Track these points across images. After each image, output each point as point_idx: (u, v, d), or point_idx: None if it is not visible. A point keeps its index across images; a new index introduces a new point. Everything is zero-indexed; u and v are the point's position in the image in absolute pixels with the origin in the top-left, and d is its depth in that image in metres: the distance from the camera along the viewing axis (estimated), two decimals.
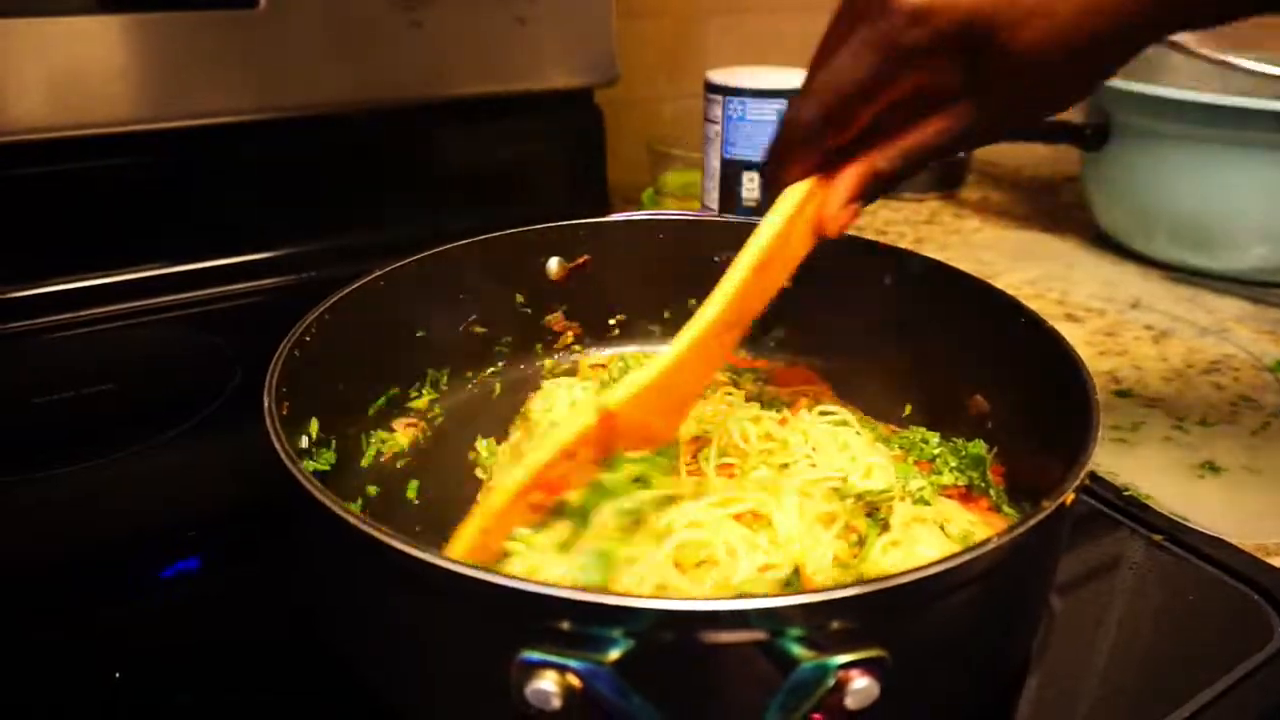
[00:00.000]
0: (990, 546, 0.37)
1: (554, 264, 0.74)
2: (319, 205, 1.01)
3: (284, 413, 0.48)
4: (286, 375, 0.51)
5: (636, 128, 1.22)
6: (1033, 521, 0.39)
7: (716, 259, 0.75)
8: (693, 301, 0.74)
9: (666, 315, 0.77)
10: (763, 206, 0.54)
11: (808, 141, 0.51)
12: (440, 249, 0.68)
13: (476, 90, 1.04)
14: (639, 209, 1.14)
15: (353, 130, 1.00)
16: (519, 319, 0.75)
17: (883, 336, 0.69)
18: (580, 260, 0.75)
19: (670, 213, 0.78)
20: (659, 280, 0.76)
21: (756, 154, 0.98)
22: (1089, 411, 0.47)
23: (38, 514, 0.63)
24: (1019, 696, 0.49)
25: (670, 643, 0.34)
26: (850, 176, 0.52)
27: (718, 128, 0.99)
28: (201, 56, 0.89)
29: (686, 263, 0.75)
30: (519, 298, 0.74)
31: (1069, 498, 0.41)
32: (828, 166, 0.52)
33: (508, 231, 0.72)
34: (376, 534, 0.37)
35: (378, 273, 0.63)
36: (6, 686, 0.49)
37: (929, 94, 0.48)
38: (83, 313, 0.89)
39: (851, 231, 0.58)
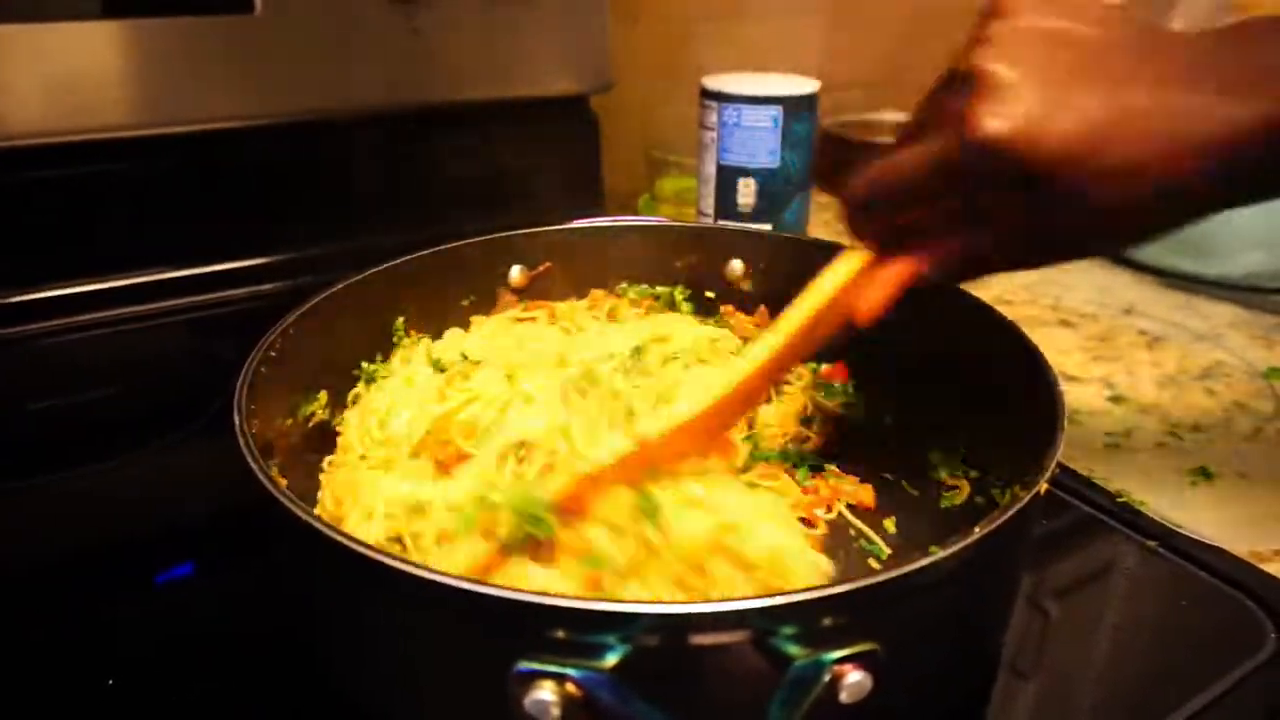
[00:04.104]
0: (973, 538, 0.38)
1: (516, 272, 0.74)
2: (316, 211, 1.01)
3: (253, 430, 0.47)
4: (256, 391, 0.51)
5: (633, 134, 1.22)
6: (1011, 512, 0.40)
7: (679, 263, 0.76)
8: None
9: None
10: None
11: (860, 217, 0.51)
12: (401, 260, 0.68)
13: (472, 96, 1.04)
14: (635, 215, 1.15)
15: (350, 136, 1.00)
16: None
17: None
18: (543, 267, 0.75)
19: (632, 218, 0.79)
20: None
21: (752, 160, 0.99)
22: (1054, 401, 0.48)
23: (33, 519, 0.63)
24: (994, 686, 0.50)
25: (666, 646, 0.35)
26: (894, 272, 0.51)
27: (713, 134, 1.00)
28: (198, 62, 0.89)
29: (649, 269, 0.76)
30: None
31: (1043, 487, 0.42)
32: (884, 247, 0.51)
33: (470, 240, 0.72)
34: (363, 550, 0.37)
35: (339, 285, 0.63)
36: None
37: (983, 216, 0.47)
38: (79, 318, 0.89)
39: (826, 236, 0.58)
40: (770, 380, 0.53)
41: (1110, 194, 0.43)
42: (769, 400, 0.67)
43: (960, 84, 0.44)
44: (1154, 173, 0.42)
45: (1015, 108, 0.42)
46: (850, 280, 0.51)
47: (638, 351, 0.65)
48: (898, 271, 0.50)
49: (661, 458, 0.49)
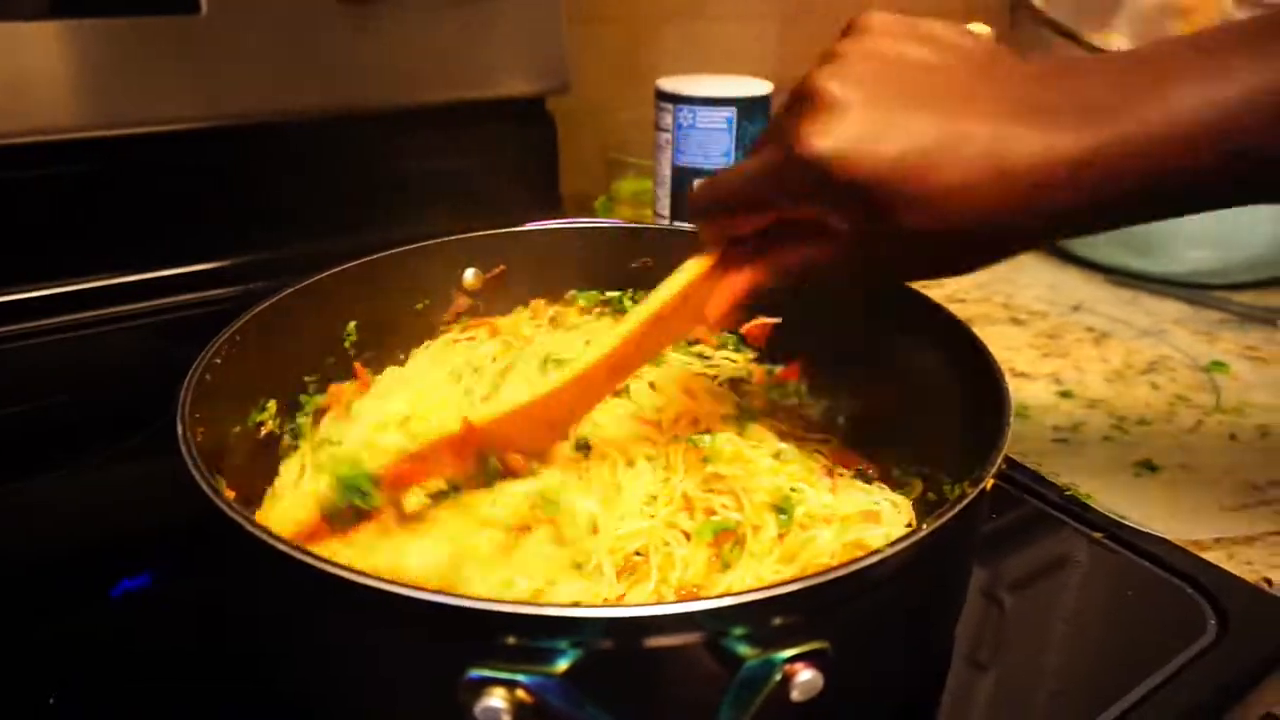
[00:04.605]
0: (920, 534, 0.39)
1: (470, 275, 0.74)
2: (268, 215, 0.99)
3: (198, 439, 0.46)
4: (203, 399, 0.50)
5: (591, 135, 1.22)
6: (956, 508, 0.40)
7: (634, 264, 0.76)
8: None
9: None
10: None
11: (701, 222, 0.51)
12: (351, 264, 0.67)
13: (426, 98, 1.03)
14: (593, 217, 1.15)
15: (301, 138, 0.98)
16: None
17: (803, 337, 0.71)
18: (496, 270, 0.74)
19: (588, 220, 0.79)
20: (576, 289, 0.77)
21: (708, 162, 0.99)
22: (1000, 398, 0.49)
23: None
24: (947, 678, 0.51)
25: (618, 650, 0.35)
26: (736, 280, 0.51)
27: (668, 136, 1.00)
28: (144, 63, 0.87)
29: (605, 270, 0.76)
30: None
31: (989, 483, 0.43)
32: (729, 255, 0.52)
33: (423, 243, 0.71)
34: (310, 560, 0.36)
35: (288, 290, 0.62)
36: None
37: (813, 228, 0.47)
38: (27, 324, 0.87)
39: None
40: (614, 378, 0.54)
41: (931, 218, 0.42)
42: None
43: (798, 100, 0.44)
44: (974, 198, 0.42)
45: (842, 127, 0.42)
46: (694, 284, 0.51)
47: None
48: (740, 279, 0.51)
49: (492, 443, 0.52)
